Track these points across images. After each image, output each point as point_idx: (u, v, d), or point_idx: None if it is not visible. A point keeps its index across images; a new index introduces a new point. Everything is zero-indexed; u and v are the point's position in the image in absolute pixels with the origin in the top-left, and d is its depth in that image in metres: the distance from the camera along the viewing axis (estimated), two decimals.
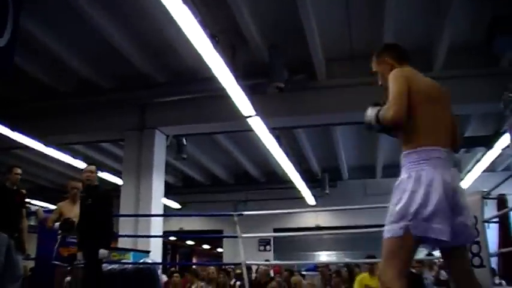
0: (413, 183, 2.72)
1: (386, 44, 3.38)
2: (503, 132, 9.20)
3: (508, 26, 6.73)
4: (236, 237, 6.66)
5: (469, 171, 13.97)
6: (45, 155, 11.34)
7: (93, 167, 6.66)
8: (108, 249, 6.22)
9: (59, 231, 6.79)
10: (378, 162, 15.06)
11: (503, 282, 6.81)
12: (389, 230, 2.73)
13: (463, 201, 2.79)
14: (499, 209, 5.81)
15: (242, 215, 6.80)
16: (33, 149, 10.79)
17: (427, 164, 2.75)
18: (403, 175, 2.83)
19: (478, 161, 12.88)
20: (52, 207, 16.38)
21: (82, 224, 6.27)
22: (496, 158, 12.21)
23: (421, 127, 2.84)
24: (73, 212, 6.71)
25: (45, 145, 10.63)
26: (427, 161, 2.76)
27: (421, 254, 15.47)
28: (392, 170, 16.00)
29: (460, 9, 7.22)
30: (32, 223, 16.95)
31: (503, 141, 9.86)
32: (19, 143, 10.15)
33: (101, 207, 6.26)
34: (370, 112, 3.02)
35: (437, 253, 14.40)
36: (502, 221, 5.91)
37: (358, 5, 7.66)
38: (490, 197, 5.60)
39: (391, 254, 2.72)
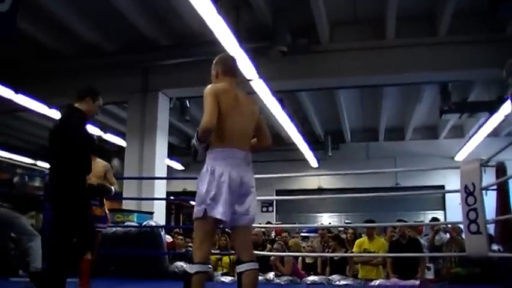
0: (209, 176, 3.45)
1: (222, 57, 3.89)
2: (507, 98, 9.19)
3: None
4: None
5: (472, 136, 14.00)
6: (49, 117, 11.37)
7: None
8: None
9: None
10: (381, 125, 15.09)
11: (501, 248, 6.91)
12: (195, 212, 3.47)
13: (248, 192, 3.53)
14: (497, 177, 5.88)
15: None
16: (36, 111, 10.83)
17: (221, 162, 3.47)
18: (204, 168, 3.52)
19: (481, 126, 12.89)
20: None
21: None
22: (499, 123, 12.21)
23: (222, 133, 3.51)
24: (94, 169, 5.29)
25: (49, 107, 10.65)
26: (221, 160, 3.48)
27: (423, 217, 15.76)
28: (395, 133, 16.26)
29: None
30: (38, 184, 17.16)
31: (506, 107, 9.85)
32: (22, 105, 10.20)
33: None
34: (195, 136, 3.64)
35: (441, 217, 14.58)
36: (501, 188, 5.99)
37: None
38: (489, 164, 5.63)
39: (197, 231, 3.48)
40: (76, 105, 4.64)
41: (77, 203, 4.38)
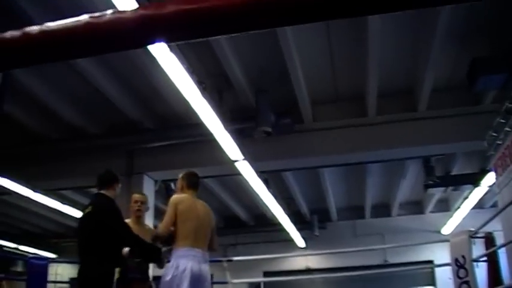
0: (174, 269, 4.43)
1: (186, 174, 5.09)
2: (489, 170, 9.30)
3: (488, 67, 6.91)
4: (226, 283, 6.62)
5: (457, 209, 14.03)
6: (33, 200, 11.22)
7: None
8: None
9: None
10: (367, 202, 15.09)
11: None
12: None
13: (205, 283, 4.58)
14: (486, 248, 5.86)
15: (232, 260, 6.78)
16: (20, 195, 10.69)
17: (183, 259, 4.48)
18: (170, 263, 4.52)
19: (465, 198, 12.95)
20: (41, 253, 16.24)
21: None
22: (483, 195, 12.29)
23: (182, 235, 4.60)
24: (137, 232, 5.26)
25: (33, 191, 10.54)
26: (183, 257, 4.49)
27: None
28: (381, 210, 16.24)
29: (441, 52, 7.38)
30: (20, 269, 16.75)
31: (489, 178, 9.96)
32: (6, 188, 10.07)
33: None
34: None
35: None
36: (490, 259, 5.96)
37: (342, 49, 7.80)
38: (478, 235, 5.62)
39: None
40: (103, 192, 4.97)
41: None
